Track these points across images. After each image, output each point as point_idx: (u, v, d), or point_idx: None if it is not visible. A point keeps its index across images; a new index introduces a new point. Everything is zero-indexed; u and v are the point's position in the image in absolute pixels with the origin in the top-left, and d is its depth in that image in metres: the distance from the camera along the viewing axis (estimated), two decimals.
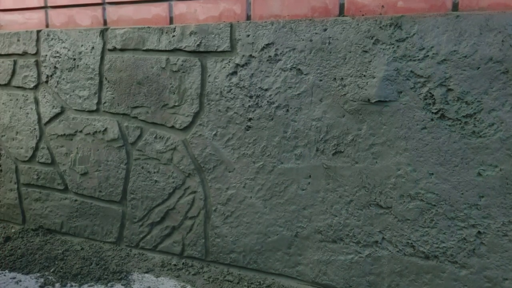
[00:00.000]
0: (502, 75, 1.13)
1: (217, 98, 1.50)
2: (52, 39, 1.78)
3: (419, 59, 1.21)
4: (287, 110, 1.40)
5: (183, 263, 1.65)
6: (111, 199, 1.76)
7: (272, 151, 1.44)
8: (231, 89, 1.47)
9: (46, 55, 1.80)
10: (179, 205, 1.63)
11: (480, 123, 1.17)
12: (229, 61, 1.46)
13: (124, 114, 1.68)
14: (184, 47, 1.53)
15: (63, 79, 1.78)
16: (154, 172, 1.65)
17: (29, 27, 1.90)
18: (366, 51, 1.27)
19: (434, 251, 1.27)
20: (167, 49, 1.56)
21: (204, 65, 1.51)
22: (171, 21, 1.61)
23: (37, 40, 1.82)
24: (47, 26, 1.86)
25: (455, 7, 1.20)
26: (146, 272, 1.62)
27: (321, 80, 1.34)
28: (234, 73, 1.46)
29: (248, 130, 1.47)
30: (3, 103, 1.94)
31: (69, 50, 1.75)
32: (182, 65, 1.54)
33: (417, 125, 1.24)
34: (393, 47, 1.24)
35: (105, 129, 1.72)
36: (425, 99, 1.22)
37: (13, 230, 1.97)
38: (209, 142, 1.54)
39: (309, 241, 1.44)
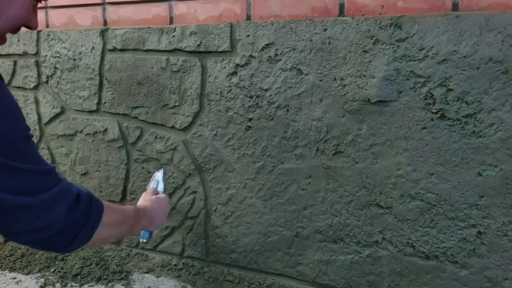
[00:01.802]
0: (502, 75, 1.13)
1: (217, 98, 1.50)
2: (52, 39, 1.78)
3: (419, 59, 1.21)
4: (287, 110, 1.40)
5: (183, 263, 1.65)
6: (111, 199, 1.76)
7: (272, 151, 1.44)
8: (231, 89, 1.47)
9: (46, 55, 1.80)
10: (179, 205, 1.63)
11: (480, 123, 1.17)
12: (229, 61, 1.46)
13: (124, 114, 1.69)
14: (184, 47, 1.53)
15: (63, 79, 1.78)
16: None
17: None
18: (366, 51, 1.27)
19: (434, 251, 1.27)
20: (167, 49, 1.56)
21: (204, 65, 1.51)
22: (171, 21, 1.61)
23: (37, 40, 1.82)
24: (47, 26, 1.86)
25: (455, 7, 1.20)
26: (147, 272, 1.62)
27: (321, 80, 1.34)
28: (234, 73, 1.46)
29: (248, 130, 1.47)
30: None
31: (69, 50, 1.75)
32: (182, 65, 1.54)
33: (417, 125, 1.24)
34: (393, 47, 1.24)
35: (105, 129, 1.72)
36: (425, 99, 1.22)
37: None
38: (209, 142, 1.54)
39: (309, 241, 1.44)
